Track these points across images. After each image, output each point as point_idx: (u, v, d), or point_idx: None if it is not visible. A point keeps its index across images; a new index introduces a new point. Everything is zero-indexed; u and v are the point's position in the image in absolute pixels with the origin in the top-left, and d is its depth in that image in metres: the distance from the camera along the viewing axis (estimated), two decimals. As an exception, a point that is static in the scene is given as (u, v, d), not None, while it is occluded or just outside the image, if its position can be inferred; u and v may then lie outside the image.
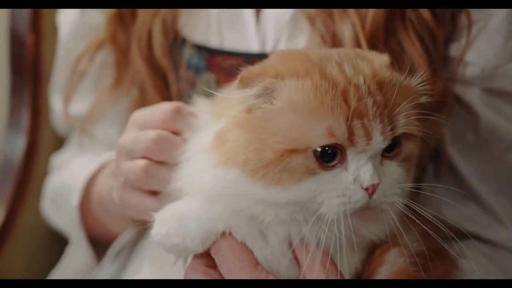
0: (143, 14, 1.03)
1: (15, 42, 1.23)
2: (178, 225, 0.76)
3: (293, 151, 0.71)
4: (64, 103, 1.11)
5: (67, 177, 1.13)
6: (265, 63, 0.77)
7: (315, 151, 0.71)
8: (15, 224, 1.20)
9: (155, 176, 0.81)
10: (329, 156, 0.71)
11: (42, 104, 1.23)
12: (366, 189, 0.72)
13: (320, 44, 0.94)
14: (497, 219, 0.98)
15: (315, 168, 0.71)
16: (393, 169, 0.75)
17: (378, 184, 0.72)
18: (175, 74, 1.03)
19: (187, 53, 1.03)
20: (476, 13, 0.94)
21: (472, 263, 0.92)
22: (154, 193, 0.84)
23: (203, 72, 1.03)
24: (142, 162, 0.82)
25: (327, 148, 0.71)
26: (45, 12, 1.23)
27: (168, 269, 0.83)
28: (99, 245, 1.10)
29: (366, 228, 0.77)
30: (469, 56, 0.94)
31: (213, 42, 1.02)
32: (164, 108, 0.83)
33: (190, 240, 0.76)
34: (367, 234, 0.78)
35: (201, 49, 1.03)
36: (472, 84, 0.96)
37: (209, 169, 0.75)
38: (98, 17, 1.08)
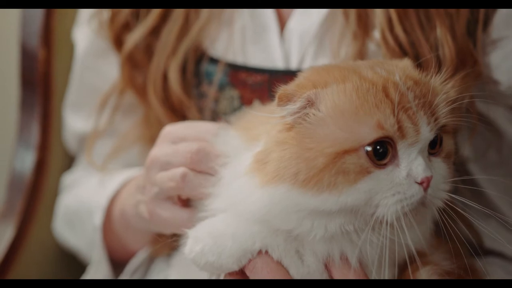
0: (159, 57, 1.03)
1: (26, 56, 1.22)
2: (213, 242, 0.76)
3: (345, 152, 0.71)
4: (89, 143, 1.12)
5: (83, 197, 1.13)
6: (299, 79, 0.78)
7: (367, 151, 0.71)
8: (25, 241, 1.19)
9: (193, 182, 0.81)
10: (381, 154, 0.71)
11: (53, 120, 1.22)
12: (421, 183, 0.72)
13: (347, 59, 0.94)
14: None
15: (369, 166, 0.71)
16: (440, 165, 0.76)
17: (432, 177, 0.72)
18: (195, 109, 1.03)
19: (213, 70, 1.03)
20: (502, 30, 0.94)
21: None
22: (185, 205, 0.84)
23: (227, 88, 1.02)
24: (181, 169, 0.82)
25: (378, 147, 0.71)
26: (57, 26, 1.22)
27: None
28: (116, 264, 1.09)
29: (407, 237, 0.75)
30: (494, 73, 0.95)
31: (237, 58, 1.02)
32: (207, 128, 0.84)
33: (226, 257, 0.75)
34: (408, 243, 0.75)
35: (225, 65, 1.02)
36: (496, 101, 0.97)
37: (255, 190, 0.74)
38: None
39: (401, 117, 0.72)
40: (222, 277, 0.79)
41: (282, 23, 1.02)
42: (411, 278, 0.79)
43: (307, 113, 0.73)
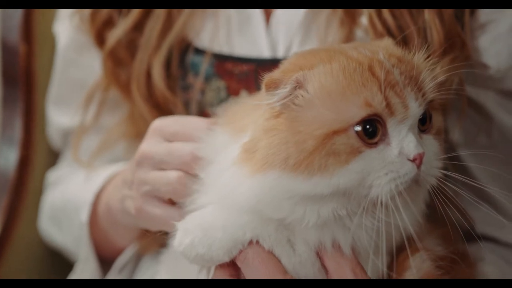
0: (142, 54, 1.01)
1: (7, 52, 1.20)
2: (203, 234, 0.74)
3: (334, 133, 0.70)
4: (75, 142, 1.10)
5: (68, 194, 1.11)
6: (284, 65, 0.77)
7: (357, 131, 0.70)
8: (10, 239, 1.17)
9: (188, 186, 0.80)
10: (371, 133, 0.71)
11: (36, 116, 1.20)
12: (414, 160, 0.71)
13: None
14: (511, 220, 0.97)
15: (359, 146, 0.71)
16: (431, 142, 0.75)
17: (424, 153, 0.71)
18: (180, 104, 1.02)
19: (199, 61, 1.02)
20: (490, 14, 0.94)
21: (488, 265, 0.92)
22: (172, 203, 0.83)
23: (213, 79, 1.01)
24: (178, 174, 0.81)
25: (367, 126, 0.70)
26: (37, 20, 1.20)
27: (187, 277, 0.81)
28: (103, 261, 1.08)
29: (401, 220, 0.73)
30: (483, 57, 0.94)
31: (223, 48, 1.01)
32: (198, 124, 0.82)
33: (216, 249, 0.74)
34: (401, 226, 0.74)
35: (210, 56, 1.01)
36: (485, 86, 0.96)
37: (244, 180, 0.73)
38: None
39: (389, 94, 0.71)
40: (212, 270, 0.78)
41: (267, 12, 1.01)
42: (403, 265, 0.78)
43: (296, 96, 0.72)
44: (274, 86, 0.72)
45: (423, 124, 0.74)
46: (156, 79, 1.01)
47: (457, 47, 0.91)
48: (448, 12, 0.91)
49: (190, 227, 0.75)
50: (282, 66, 0.76)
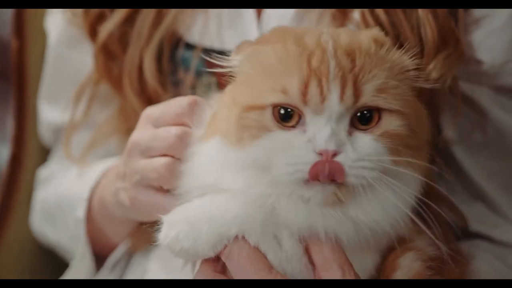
0: (133, 48, 1.00)
1: (-2, 47, 1.20)
2: (189, 227, 0.73)
3: (251, 108, 0.72)
4: (66, 138, 1.09)
5: (61, 190, 1.10)
6: (261, 36, 0.81)
7: (273, 111, 0.71)
8: (2, 236, 1.16)
9: (176, 171, 0.79)
10: (284, 117, 0.71)
11: (28, 112, 1.19)
12: (320, 154, 0.70)
13: None
14: (506, 218, 0.97)
15: (270, 125, 0.71)
16: (365, 142, 0.72)
17: (334, 151, 0.70)
18: (172, 96, 1.00)
19: (190, 56, 1.01)
20: (482, 10, 0.92)
21: (482, 264, 0.91)
22: (166, 191, 0.82)
23: (204, 75, 1.00)
24: (164, 160, 0.80)
25: (281, 109, 0.71)
26: (29, 16, 1.18)
27: (176, 273, 0.80)
28: (98, 258, 1.07)
29: (364, 214, 0.73)
30: (477, 53, 0.93)
31: (214, 43, 1.00)
32: (180, 101, 0.81)
33: (201, 243, 0.73)
34: (367, 221, 0.73)
35: (201, 51, 1.00)
36: (479, 82, 0.95)
37: (199, 151, 0.77)
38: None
39: (311, 84, 0.70)
40: (197, 265, 0.77)
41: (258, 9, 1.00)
42: (393, 264, 0.77)
43: (241, 69, 0.75)
44: (236, 52, 0.76)
45: (365, 123, 0.72)
46: (147, 74, 1.00)
47: (451, 44, 0.90)
48: (441, 9, 0.90)
49: (176, 220, 0.75)
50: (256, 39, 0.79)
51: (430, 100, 0.90)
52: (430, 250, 0.79)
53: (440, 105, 0.93)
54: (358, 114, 0.72)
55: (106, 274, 1.06)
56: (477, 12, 0.93)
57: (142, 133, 0.83)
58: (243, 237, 0.74)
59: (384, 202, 0.73)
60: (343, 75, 0.70)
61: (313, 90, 0.70)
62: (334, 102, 0.70)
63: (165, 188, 0.82)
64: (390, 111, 0.73)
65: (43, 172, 1.17)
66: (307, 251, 0.74)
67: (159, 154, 0.81)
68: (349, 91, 0.70)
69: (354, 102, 0.71)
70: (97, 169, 1.04)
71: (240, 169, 0.73)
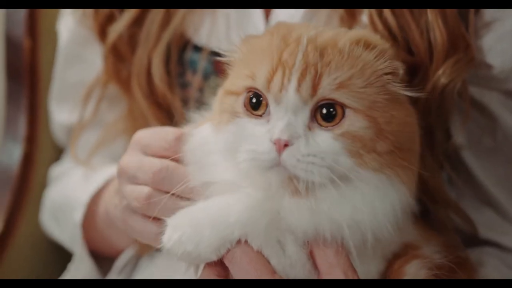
0: (142, 49, 1.01)
1: (11, 47, 1.19)
2: (192, 230, 0.73)
3: (229, 93, 0.77)
4: (74, 136, 1.10)
5: (67, 191, 1.10)
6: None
7: (246, 97, 0.74)
8: (13, 235, 1.16)
9: (157, 204, 0.79)
10: (254, 105, 0.74)
11: (40, 112, 1.19)
12: (275, 144, 0.71)
13: None
14: (514, 224, 0.96)
15: (240, 112, 0.74)
16: (322, 139, 0.72)
17: (286, 141, 0.70)
18: (178, 102, 1.01)
19: (197, 58, 1.01)
20: (495, 12, 0.91)
21: (491, 271, 0.90)
22: (156, 219, 0.81)
23: (212, 77, 1.00)
24: (146, 190, 0.80)
25: (252, 97, 0.74)
26: (42, 15, 1.19)
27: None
28: (104, 258, 1.07)
29: (336, 212, 0.73)
30: (487, 57, 0.92)
31: (222, 45, 0.99)
32: (167, 136, 0.81)
33: (204, 247, 0.73)
34: (340, 218, 0.73)
35: (209, 53, 1.00)
36: (489, 86, 0.94)
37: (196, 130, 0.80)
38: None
39: (277, 73, 0.72)
40: (200, 269, 0.76)
41: (266, 11, 0.99)
42: (398, 272, 0.77)
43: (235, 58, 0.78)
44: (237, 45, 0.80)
45: (328, 121, 0.72)
46: (155, 75, 1.00)
47: (461, 49, 0.89)
48: (451, 12, 0.88)
49: (179, 223, 0.74)
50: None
51: (439, 105, 0.90)
52: (437, 258, 0.78)
53: (449, 110, 0.92)
54: (324, 111, 0.72)
55: (114, 277, 1.06)
56: (487, 16, 0.91)
57: (130, 159, 0.83)
58: (246, 241, 0.73)
59: (354, 202, 0.73)
60: (305, 68, 0.72)
61: (276, 78, 0.72)
62: (290, 92, 0.71)
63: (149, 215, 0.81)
64: (355, 112, 0.72)
65: (56, 170, 1.17)
66: (311, 255, 0.74)
67: (143, 183, 0.81)
68: (306, 83, 0.71)
69: (312, 95, 0.72)
70: (102, 175, 1.04)
71: (218, 152, 0.76)
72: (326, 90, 0.71)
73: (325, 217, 0.72)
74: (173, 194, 0.78)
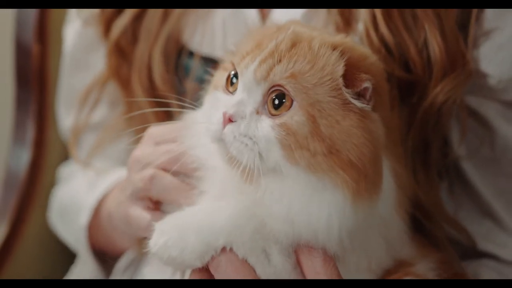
0: (143, 44, 1.02)
1: (21, 52, 1.21)
2: (177, 236, 0.73)
3: (222, 68, 0.81)
4: (73, 138, 1.11)
5: (74, 192, 1.11)
6: None
7: (229, 75, 0.77)
8: (20, 239, 1.18)
9: (161, 183, 0.81)
10: (231, 81, 0.77)
11: (48, 117, 1.21)
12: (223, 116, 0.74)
13: None
14: (514, 236, 0.95)
15: (218, 85, 0.78)
16: (262, 125, 0.73)
17: (229, 115, 0.73)
18: (178, 101, 1.01)
19: (192, 64, 1.01)
20: (494, 21, 0.90)
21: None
22: (157, 209, 0.83)
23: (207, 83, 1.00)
24: (151, 171, 0.82)
25: (234, 73, 0.76)
26: (51, 21, 1.20)
27: None
28: (109, 257, 1.08)
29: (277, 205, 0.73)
30: (486, 66, 0.91)
31: (218, 52, 1.00)
32: (180, 129, 0.82)
33: (189, 253, 0.72)
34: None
35: (206, 60, 1.01)
36: (487, 96, 0.93)
37: None
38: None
39: (250, 54, 0.75)
40: (187, 275, 0.76)
41: (264, 15, 0.99)
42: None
43: None
44: None
45: (276, 108, 0.73)
46: (155, 71, 1.01)
47: (459, 65, 0.88)
48: (450, 27, 0.88)
49: (166, 228, 0.74)
50: None
51: (437, 121, 0.89)
52: (432, 275, 0.78)
53: (446, 125, 0.91)
54: (275, 99, 0.73)
55: (117, 277, 1.06)
56: (487, 24, 0.90)
57: (144, 149, 0.85)
58: (231, 249, 0.73)
59: (291, 199, 0.73)
60: (272, 53, 0.74)
61: (248, 57, 0.75)
62: (249, 70, 0.74)
63: (153, 199, 0.82)
64: (299, 107, 0.73)
65: (64, 171, 1.18)
66: (298, 264, 0.74)
67: (155, 167, 0.82)
68: (265, 66, 0.73)
69: (265, 77, 0.73)
70: (109, 179, 1.05)
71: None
72: (277, 76, 0.73)
73: (266, 210, 0.73)
74: (176, 175, 0.80)
